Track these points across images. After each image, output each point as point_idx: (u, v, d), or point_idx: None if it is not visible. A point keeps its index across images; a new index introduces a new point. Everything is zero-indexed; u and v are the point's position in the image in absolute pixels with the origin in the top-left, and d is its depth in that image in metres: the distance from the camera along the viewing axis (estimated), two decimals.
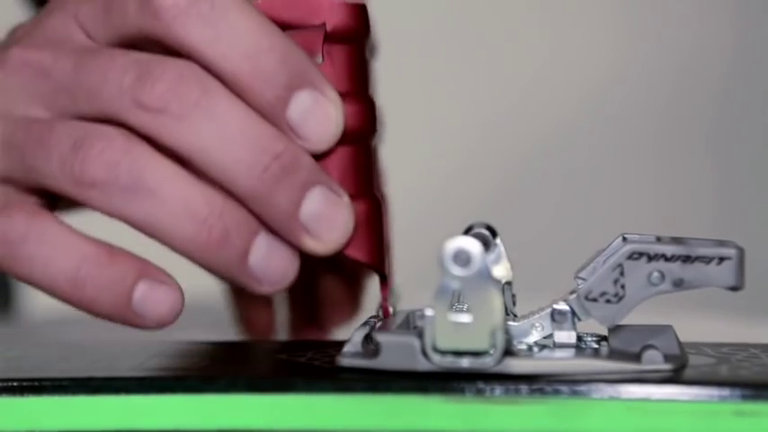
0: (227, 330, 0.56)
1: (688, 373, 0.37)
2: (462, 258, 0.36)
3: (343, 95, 0.39)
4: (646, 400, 0.36)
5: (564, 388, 0.36)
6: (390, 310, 0.41)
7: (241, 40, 0.38)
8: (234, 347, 0.45)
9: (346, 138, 0.39)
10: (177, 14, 0.38)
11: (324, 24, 0.40)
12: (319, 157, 0.39)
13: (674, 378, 0.37)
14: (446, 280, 0.36)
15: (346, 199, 0.39)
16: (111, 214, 0.38)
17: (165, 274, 0.39)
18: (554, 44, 1.05)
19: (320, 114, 0.38)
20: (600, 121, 1.06)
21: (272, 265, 0.39)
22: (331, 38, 0.40)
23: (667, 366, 0.37)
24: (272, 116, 0.38)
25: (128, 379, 0.38)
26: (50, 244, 0.39)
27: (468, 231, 0.42)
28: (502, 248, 0.42)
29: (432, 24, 1.05)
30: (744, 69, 1.06)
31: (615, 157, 1.06)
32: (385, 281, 0.41)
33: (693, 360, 0.39)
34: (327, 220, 0.38)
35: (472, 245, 0.36)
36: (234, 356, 0.43)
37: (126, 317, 0.39)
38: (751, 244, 0.42)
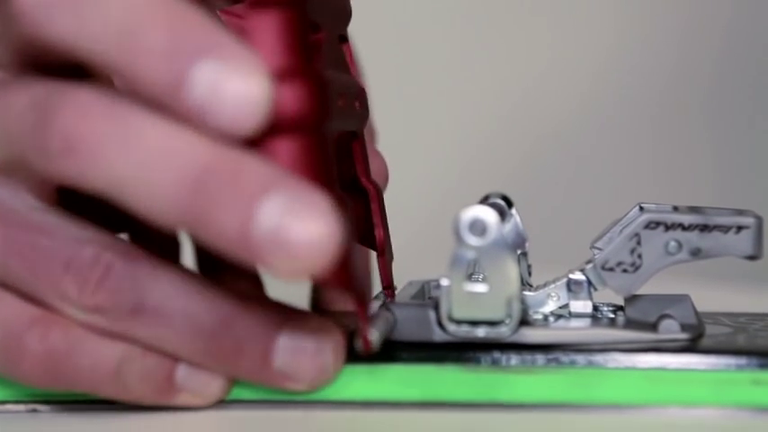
0: None
1: (705, 342, 0.37)
2: (478, 228, 0.36)
3: (278, 73, 0.31)
4: (662, 369, 0.36)
5: (580, 357, 0.36)
6: (371, 339, 0.35)
7: (113, 18, 0.31)
8: None
9: (286, 125, 0.31)
10: (38, 8, 0.31)
11: None
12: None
13: (691, 347, 0.37)
14: (462, 249, 0.36)
15: (321, 203, 0.30)
16: (117, 335, 0.35)
17: None
18: (562, 26, 1.05)
19: (231, 90, 0.30)
20: (612, 95, 1.06)
21: (302, 364, 0.35)
22: (254, 2, 0.32)
23: (684, 336, 0.37)
24: (171, 106, 0.31)
25: None
26: (90, 353, 0.35)
27: (483, 201, 0.42)
28: (518, 219, 0.42)
29: (442, 19, 1.05)
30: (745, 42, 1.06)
31: (629, 128, 1.06)
32: (361, 302, 0.34)
33: (710, 329, 0.39)
34: (291, 238, 0.30)
35: (488, 214, 0.36)
36: None
37: (170, 400, 0.36)
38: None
